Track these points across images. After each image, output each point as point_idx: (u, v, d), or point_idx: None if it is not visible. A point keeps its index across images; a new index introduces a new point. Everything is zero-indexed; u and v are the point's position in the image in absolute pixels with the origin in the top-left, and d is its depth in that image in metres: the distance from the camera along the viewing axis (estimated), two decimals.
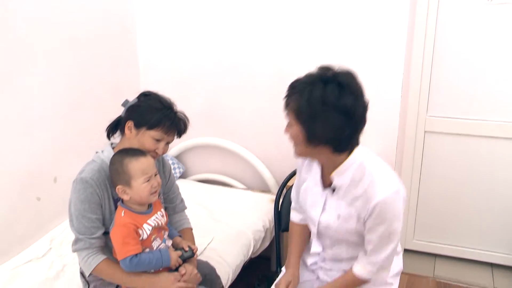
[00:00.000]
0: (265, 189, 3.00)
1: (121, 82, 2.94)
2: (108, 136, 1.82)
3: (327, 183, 1.61)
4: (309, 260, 1.80)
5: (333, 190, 1.58)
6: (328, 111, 1.38)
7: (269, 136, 2.95)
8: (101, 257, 1.69)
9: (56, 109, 2.46)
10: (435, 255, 3.08)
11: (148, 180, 1.64)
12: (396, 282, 1.75)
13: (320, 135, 1.43)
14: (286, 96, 1.48)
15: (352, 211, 1.54)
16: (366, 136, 2.79)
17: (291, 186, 2.15)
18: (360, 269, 1.59)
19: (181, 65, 3.05)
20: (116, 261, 1.69)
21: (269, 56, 2.81)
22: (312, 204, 1.66)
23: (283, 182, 2.25)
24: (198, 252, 1.85)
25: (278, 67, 2.80)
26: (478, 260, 2.98)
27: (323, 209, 1.63)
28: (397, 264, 1.76)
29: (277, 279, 1.78)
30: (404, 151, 2.91)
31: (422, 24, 2.66)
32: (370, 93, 2.69)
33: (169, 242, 1.78)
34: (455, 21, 2.63)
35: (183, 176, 3.18)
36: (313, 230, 1.70)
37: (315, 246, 1.76)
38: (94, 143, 2.61)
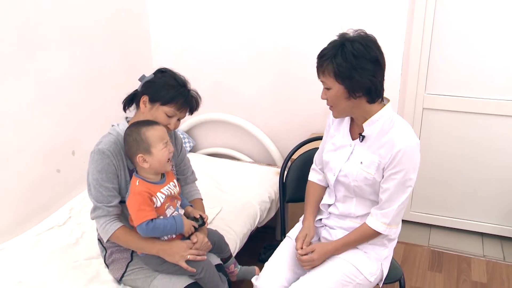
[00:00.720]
0: (271, 162, 3.06)
1: (134, 60, 2.97)
2: (124, 109, 1.86)
3: (356, 135, 1.76)
4: (317, 216, 1.90)
5: (362, 140, 1.72)
6: (362, 62, 1.57)
7: (275, 112, 3.00)
8: (118, 224, 1.74)
9: (73, 87, 2.50)
10: (430, 226, 3.15)
11: (165, 146, 1.70)
12: (391, 246, 1.85)
13: (360, 85, 1.59)
14: (319, 66, 1.65)
15: (375, 158, 1.68)
16: None
17: (296, 159, 2.24)
18: (373, 220, 1.72)
19: (191, 43, 3.06)
20: (132, 228, 1.75)
21: (276, 33, 2.84)
22: (338, 155, 1.79)
23: (288, 156, 2.28)
24: (207, 222, 1.90)
25: (285, 44, 2.83)
26: (469, 230, 3.06)
27: (348, 158, 1.76)
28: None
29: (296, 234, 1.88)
30: None
31: (421, 5, 2.66)
32: None
33: (182, 211, 1.83)
34: (454, 1, 2.64)
35: (193, 150, 3.23)
36: (332, 179, 1.81)
37: (327, 199, 1.88)
38: (109, 118, 2.67)
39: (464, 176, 2.97)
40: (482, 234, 3.06)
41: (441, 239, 3.04)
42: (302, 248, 1.76)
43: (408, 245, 2.95)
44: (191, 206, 1.93)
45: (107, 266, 1.90)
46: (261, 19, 2.86)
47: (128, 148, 1.72)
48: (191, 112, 1.85)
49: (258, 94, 3.02)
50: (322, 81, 1.67)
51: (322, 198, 1.93)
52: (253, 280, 1.85)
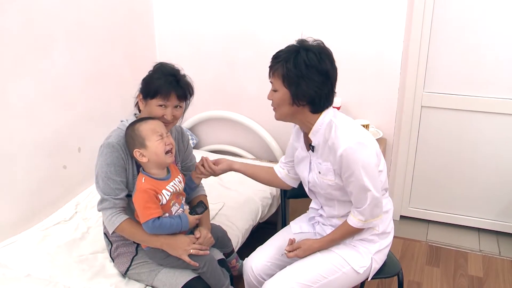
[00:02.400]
0: (272, 159, 3.09)
1: (139, 57, 2.99)
2: (139, 109, 1.90)
3: (308, 145, 1.78)
4: (310, 215, 1.99)
5: (313, 150, 1.75)
6: (311, 72, 1.60)
7: None
8: (124, 217, 1.76)
9: (79, 85, 2.53)
10: (428, 221, 3.19)
11: (161, 138, 1.71)
12: (383, 240, 1.87)
13: (305, 94, 1.62)
14: (271, 66, 1.69)
15: (329, 166, 1.71)
16: (368, 111, 2.96)
17: None
18: (351, 218, 1.75)
19: (195, 41, 3.09)
20: (137, 221, 1.77)
21: (277, 29, 2.86)
22: (303, 167, 1.84)
23: None
24: (210, 217, 1.94)
25: (287, 41, 2.74)
26: (466, 226, 3.09)
27: (310, 169, 1.81)
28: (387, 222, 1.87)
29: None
30: (402, 124, 2.98)
31: (420, 3, 2.68)
32: (371, 73, 2.86)
33: (186, 207, 1.85)
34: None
35: (196, 147, 3.25)
36: (306, 189, 1.89)
37: (313, 203, 1.96)
38: (115, 115, 2.71)
39: (461, 173, 3.00)
40: (479, 230, 3.09)
41: (438, 235, 3.07)
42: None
43: (407, 240, 2.98)
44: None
45: (113, 260, 1.93)
46: (264, 17, 2.89)
47: (128, 145, 1.76)
48: (185, 98, 1.82)
49: (260, 91, 2.96)
50: (271, 82, 1.70)
51: (267, 181, 2.03)
52: (245, 259, 1.96)
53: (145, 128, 1.71)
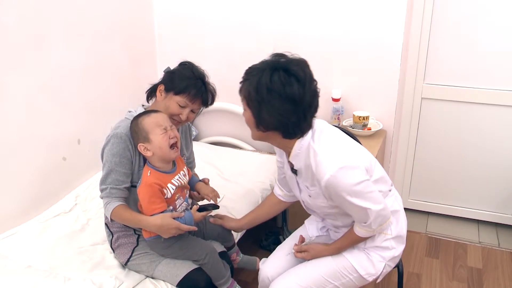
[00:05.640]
0: (272, 151, 3.04)
1: (138, 49, 2.98)
2: (148, 99, 1.89)
3: (291, 168, 1.66)
4: (319, 225, 1.91)
5: (296, 174, 1.64)
6: (273, 98, 1.41)
7: None
8: (117, 203, 1.73)
9: (78, 77, 2.52)
10: (428, 213, 3.19)
11: (165, 132, 1.70)
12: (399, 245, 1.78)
13: (268, 121, 1.45)
14: (241, 82, 1.52)
15: (317, 190, 1.58)
16: (368, 103, 2.96)
17: None
18: (358, 230, 1.65)
19: (195, 32, 3.07)
20: (130, 209, 1.75)
21: (277, 23, 2.85)
22: (293, 186, 1.75)
23: None
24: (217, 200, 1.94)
25: (287, 34, 2.85)
26: (466, 217, 3.10)
27: (300, 189, 1.70)
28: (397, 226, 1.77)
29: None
30: (402, 116, 2.98)
31: None
32: (371, 64, 2.86)
33: (190, 201, 1.86)
34: None
35: (196, 138, 3.25)
36: (303, 206, 1.81)
37: (316, 217, 1.89)
38: (114, 108, 2.73)
39: (461, 165, 3.00)
40: (478, 221, 3.10)
41: (438, 226, 3.08)
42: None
43: (407, 232, 2.98)
44: (200, 181, 1.96)
45: (113, 250, 1.93)
46: (263, 10, 2.88)
47: (133, 139, 1.75)
48: (206, 105, 1.87)
49: None
50: (241, 99, 1.55)
51: (276, 211, 1.96)
52: (260, 263, 1.92)
53: (148, 122, 1.70)
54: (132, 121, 1.76)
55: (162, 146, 1.70)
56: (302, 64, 1.47)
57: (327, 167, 1.47)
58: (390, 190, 1.77)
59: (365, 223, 1.60)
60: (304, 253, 1.78)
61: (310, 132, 1.54)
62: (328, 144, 1.54)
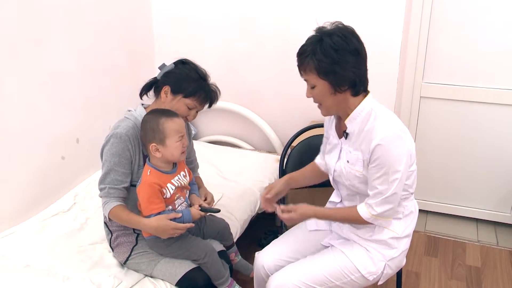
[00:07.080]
0: (271, 150, 3.09)
1: (137, 48, 2.98)
2: (141, 95, 1.88)
3: (342, 133, 1.71)
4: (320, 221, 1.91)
5: (346, 137, 1.68)
6: (343, 55, 1.54)
7: (275, 100, 3.03)
8: (115, 204, 1.74)
9: (77, 76, 2.52)
10: (427, 212, 3.19)
11: (180, 140, 1.72)
12: (400, 246, 1.77)
13: (344, 78, 1.56)
14: (299, 64, 1.61)
15: (359, 155, 1.63)
16: None
17: (295, 147, 2.28)
18: (362, 207, 1.65)
19: (194, 33, 3.07)
20: (128, 209, 1.76)
21: (277, 21, 2.85)
22: (332, 155, 1.78)
23: (287, 143, 2.31)
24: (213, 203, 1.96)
25: (286, 32, 2.85)
26: (464, 216, 3.10)
27: (339, 157, 1.73)
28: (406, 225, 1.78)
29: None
30: (400, 115, 2.97)
31: None
32: (370, 63, 2.83)
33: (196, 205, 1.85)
34: None
35: (195, 137, 3.24)
36: (330, 178, 1.82)
37: (334, 197, 1.89)
38: (112, 107, 2.73)
39: (460, 164, 3.00)
40: (477, 220, 3.10)
41: (437, 225, 3.08)
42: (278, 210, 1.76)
43: None
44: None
45: (112, 249, 1.94)
46: (262, 8, 2.88)
47: (144, 134, 1.74)
48: (210, 106, 1.89)
49: (259, 82, 3.04)
50: (305, 80, 1.63)
51: (315, 178, 1.96)
52: (256, 253, 1.93)
53: (171, 127, 1.70)
54: (149, 117, 1.73)
55: (174, 153, 1.72)
56: (344, 26, 1.60)
57: (385, 129, 1.57)
58: (411, 194, 1.81)
59: (376, 200, 1.61)
60: (290, 213, 1.71)
61: (372, 99, 1.65)
62: (388, 113, 1.64)
